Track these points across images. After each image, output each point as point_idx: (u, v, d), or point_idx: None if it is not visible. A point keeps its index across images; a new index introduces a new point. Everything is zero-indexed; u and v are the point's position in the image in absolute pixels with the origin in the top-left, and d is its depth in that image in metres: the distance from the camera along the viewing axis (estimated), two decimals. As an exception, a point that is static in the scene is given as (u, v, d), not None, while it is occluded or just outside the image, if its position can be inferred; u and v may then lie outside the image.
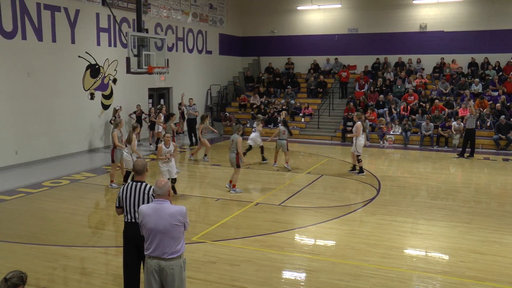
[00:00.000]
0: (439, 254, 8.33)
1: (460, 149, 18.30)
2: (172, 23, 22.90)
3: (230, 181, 12.46)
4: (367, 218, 10.24)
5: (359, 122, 14.46)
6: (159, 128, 18.28)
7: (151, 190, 5.82)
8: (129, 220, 5.90)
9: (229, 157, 12.35)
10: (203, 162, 16.57)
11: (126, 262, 6.01)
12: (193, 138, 20.23)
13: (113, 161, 12.81)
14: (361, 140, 14.41)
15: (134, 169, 6.06)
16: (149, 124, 20.12)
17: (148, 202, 5.70)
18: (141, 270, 5.73)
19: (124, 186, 5.98)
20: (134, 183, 5.93)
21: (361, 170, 14.55)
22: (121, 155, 12.58)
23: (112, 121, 18.37)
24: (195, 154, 17.20)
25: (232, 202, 11.47)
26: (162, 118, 18.11)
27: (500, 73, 23.54)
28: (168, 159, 11.49)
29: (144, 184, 5.91)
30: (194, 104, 20.66)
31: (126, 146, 12.49)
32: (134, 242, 5.79)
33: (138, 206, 5.72)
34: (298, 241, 9.08)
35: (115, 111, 18.58)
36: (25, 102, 15.49)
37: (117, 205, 6.03)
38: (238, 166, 12.17)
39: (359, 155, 14.46)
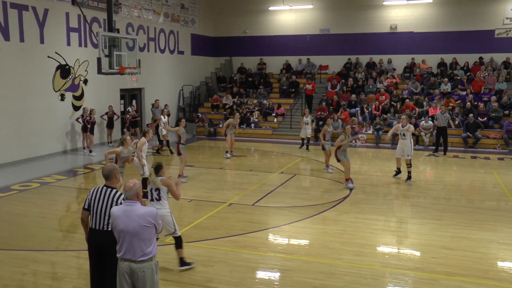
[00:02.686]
0: (411, 250, 8.46)
1: (434, 147, 18.94)
2: (144, 23, 22.71)
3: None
4: (340, 217, 10.33)
5: (411, 125, 13.90)
6: (164, 131, 17.58)
7: (121, 199, 5.54)
8: (92, 226, 5.65)
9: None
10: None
11: (91, 268, 5.82)
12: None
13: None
14: (412, 142, 13.84)
15: (102, 173, 5.75)
16: (127, 124, 19.74)
17: None
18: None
19: (94, 189, 5.72)
20: (104, 187, 5.66)
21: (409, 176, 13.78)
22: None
23: (80, 120, 18.03)
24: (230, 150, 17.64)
25: (205, 203, 11.43)
26: (163, 119, 17.90)
27: (468, 73, 24.06)
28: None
29: (114, 190, 5.64)
30: (158, 106, 20.33)
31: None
32: (96, 248, 5.62)
33: (105, 213, 5.53)
34: (272, 240, 9.10)
35: (90, 112, 18.20)
36: (-7, 104, 15.16)
37: (85, 207, 5.71)
38: (338, 160, 12.89)
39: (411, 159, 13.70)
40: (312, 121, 19.12)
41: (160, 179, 7.27)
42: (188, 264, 7.47)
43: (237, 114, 18.74)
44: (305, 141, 19.24)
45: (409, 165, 13.66)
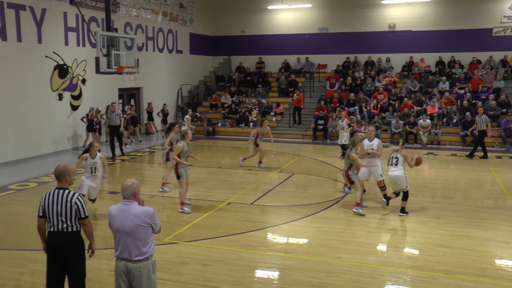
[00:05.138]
0: (410, 249, 8.47)
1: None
2: (142, 23, 22.69)
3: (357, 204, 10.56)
4: (339, 216, 10.33)
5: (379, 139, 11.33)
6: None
7: (75, 198, 5.49)
8: (51, 230, 5.53)
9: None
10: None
11: (48, 273, 5.65)
12: (117, 148, 17.63)
13: (178, 177, 10.56)
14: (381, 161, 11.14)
15: (53, 174, 5.65)
16: (124, 124, 19.52)
17: (71, 210, 5.45)
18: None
19: (46, 194, 5.59)
20: (57, 190, 5.55)
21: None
22: (186, 171, 10.56)
23: (85, 119, 18.02)
24: (247, 160, 15.70)
25: (204, 202, 11.42)
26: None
27: (465, 71, 24.10)
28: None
29: (67, 191, 5.52)
30: (115, 109, 17.85)
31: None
32: (57, 252, 5.52)
33: (62, 215, 5.44)
34: (271, 239, 9.10)
35: (98, 112, 18.23)
36: (-9, 104, 15.14)
37: (40, 214, 5.59)
38: (351, 182, 10.67)
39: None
40: (349, 125, 16.96)
41: (401, 150, 10.23)
42: (406, 212, 10.22)
43: (266, 121, 15.87)
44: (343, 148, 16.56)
45: (383, 187, 11.01)
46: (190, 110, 19.62)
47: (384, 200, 10.53)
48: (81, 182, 10.19)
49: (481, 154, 17.22)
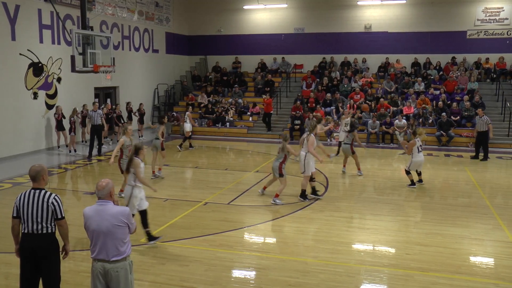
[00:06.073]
0: (386, 247, 8.54)
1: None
2: (118, 21, 22.46)
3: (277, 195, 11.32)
4: (316, 215, 10.37)
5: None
6: (188, 127, 19.08)
7: (51, 198, 5.37)
8: (25, 231, 5.40)
9: (272, 165, 11.46)
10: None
11: (22, 276, 5.54)
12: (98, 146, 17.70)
13: (122, 171, 11.29)
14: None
15: (29, 174, 5.46)
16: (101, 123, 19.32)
17: (47, 211, 5.33)
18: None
19: (21, 194, 5.44)
20: (33, 190, 5.40)
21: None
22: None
23: (72, 120, 17.98)
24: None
25: (180, 202, 11.36)
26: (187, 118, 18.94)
27: (441, 73, 24.47)
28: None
29: (43, 191, 5.39)
30: (96, 109, 17.82)
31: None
32: (30, 254, 5.41)
33: (37, 216, 5.31)
34: (247, 239, 9.09)
35: (74, 111, 18.11)
36: (-38, 102, 14.80)
37: (14, 215, 5.45)
38: (281, 175, 11.21)
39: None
40: (345, 125, 16.76)
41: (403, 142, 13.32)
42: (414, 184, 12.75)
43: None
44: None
45: (314, 179, 11.97)
46: (190, 107, 20.71)
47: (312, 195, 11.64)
48: (134, 198, 8.22)
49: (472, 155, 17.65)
